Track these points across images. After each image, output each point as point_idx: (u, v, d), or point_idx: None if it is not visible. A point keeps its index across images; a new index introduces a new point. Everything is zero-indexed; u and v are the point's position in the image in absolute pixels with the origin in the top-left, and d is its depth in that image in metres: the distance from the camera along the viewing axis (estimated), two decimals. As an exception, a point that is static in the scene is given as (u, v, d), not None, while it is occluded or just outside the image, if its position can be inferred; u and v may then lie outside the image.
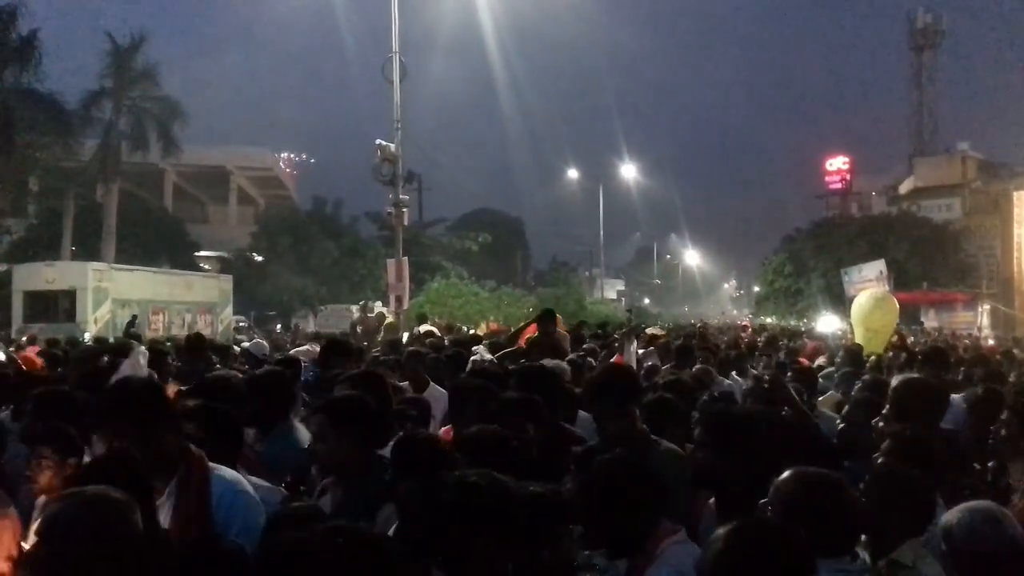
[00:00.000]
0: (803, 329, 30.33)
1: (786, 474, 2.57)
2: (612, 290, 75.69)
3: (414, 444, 3.28)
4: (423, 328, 16.77)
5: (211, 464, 3.14)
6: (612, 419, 3.81)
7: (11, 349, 14.09)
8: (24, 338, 16.83)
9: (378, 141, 24.20)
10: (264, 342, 10.62)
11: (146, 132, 35.05)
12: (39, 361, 10.35)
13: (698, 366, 8.21)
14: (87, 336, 17.70)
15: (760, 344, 14.62)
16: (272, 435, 4.27)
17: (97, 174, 35.35)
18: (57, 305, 22.89)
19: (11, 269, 26.80)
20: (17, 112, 30.35)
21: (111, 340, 14.82)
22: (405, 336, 16.05)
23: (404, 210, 24.55)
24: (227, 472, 3.17)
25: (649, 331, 19.63)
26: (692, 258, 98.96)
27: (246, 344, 11.14)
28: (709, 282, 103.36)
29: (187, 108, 36.27)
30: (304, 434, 4.09)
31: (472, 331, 21.09)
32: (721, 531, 2.08)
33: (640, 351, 11.81)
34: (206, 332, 24.11)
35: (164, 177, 48.75)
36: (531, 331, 14.86)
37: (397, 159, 24.21)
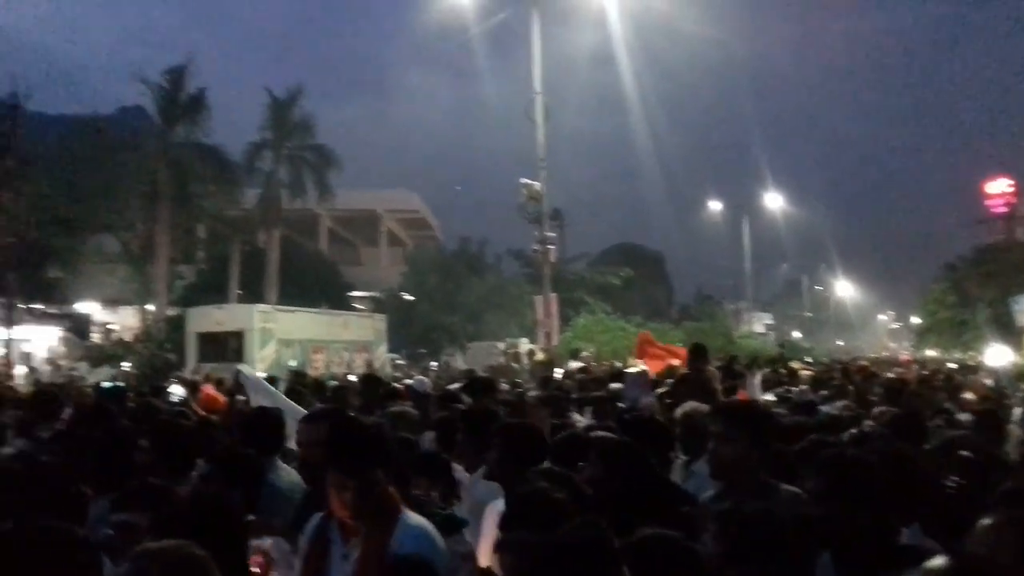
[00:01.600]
0: (972, 363, 28.60)
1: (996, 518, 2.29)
2: (760, 324, 73.55)
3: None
4: (577, 363, 16.75)
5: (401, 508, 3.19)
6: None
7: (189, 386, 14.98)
8: (199, 376, 17.84)
9: (523, 180, 24.61)
10: (425, 379, 10.86)
11: (303, 180, 36.88)
12: (221, 398, 10.94)
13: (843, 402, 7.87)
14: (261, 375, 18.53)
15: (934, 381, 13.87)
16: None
17: (259, 221, 37.37)
18: (227, 345, 24.14)
19: (185, 312, 28.56)
20: (187, 165, 32.62)
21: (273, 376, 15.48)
22: (559, 372, 16.06)
23: (550, 247, 24.83)
24: (413, 518, 3.20)
25: (794, 365, 18.90)
26: (844, 289, 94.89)
27: (408, 381, 11.42)
28: (863, 314, 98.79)
29: (340, 154, 37.99)
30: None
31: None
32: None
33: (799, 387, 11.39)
34: (363, 370, 24.96)
35: (319, 222, 51.05)
36: (661, 355, 14.59)
37: (542, 197, 24.55)
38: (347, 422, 3.97)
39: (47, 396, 7.20)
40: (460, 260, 43.74)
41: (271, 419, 4.73)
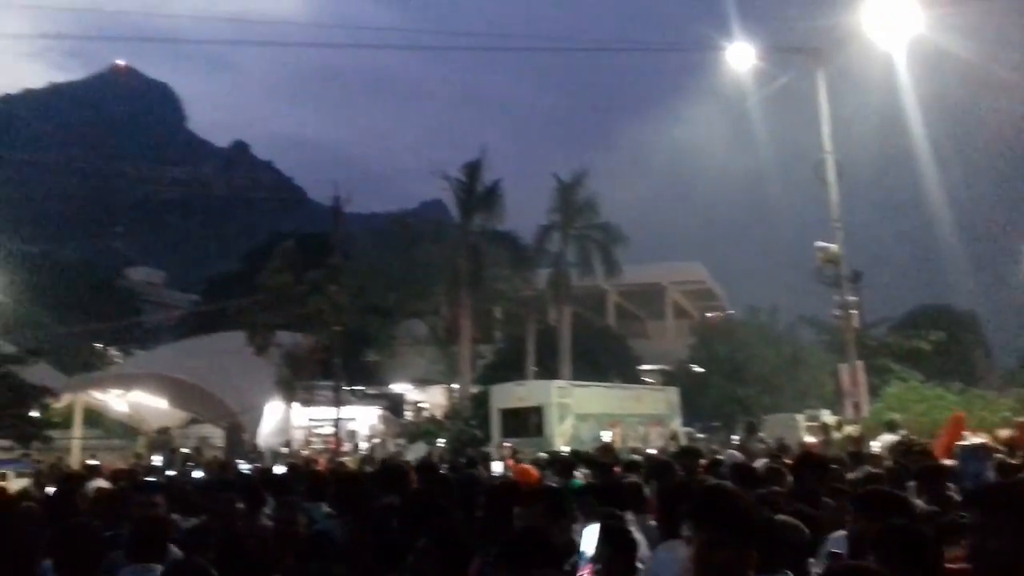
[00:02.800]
0: None
1: None
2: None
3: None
4: (892, 437, 15.52)
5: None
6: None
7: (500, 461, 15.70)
8: (505, 451, 18.63)
9: (818, 243, 23.64)
10: (737, 452, 10.61)
11: (590, 258, 37.95)
12: (535, 472, 11.33)
13: None
14: (563, 450, 19.02)
15: None
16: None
17: (550, 300, 38.84)
18: (528, 421, 25.07)
19: (487, 389, 30.12)
20: (484, 252, 34.82)
21: (576, 451, 15.81)
22: (875, 446, 14.98)
23: (852, 312, 23.50)
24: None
25: None
26: None
27: (721, 456, 11.22)
28: None
29: (625, 230, 38.74)
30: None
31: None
32: None
33: None
34: (659, 444, 24.77)
35: (607, 297, 52.05)
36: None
37: (840, 259, 23.40)
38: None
39: (393, 468, 7.86)
40: (750, 329, 42.54)
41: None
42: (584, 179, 38.62)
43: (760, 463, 9.90)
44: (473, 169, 35.96)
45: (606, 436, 22.38)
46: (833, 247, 23.13)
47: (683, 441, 26.87)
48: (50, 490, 13.67)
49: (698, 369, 42.17)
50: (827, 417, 27.54)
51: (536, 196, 39.91)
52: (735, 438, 27.68)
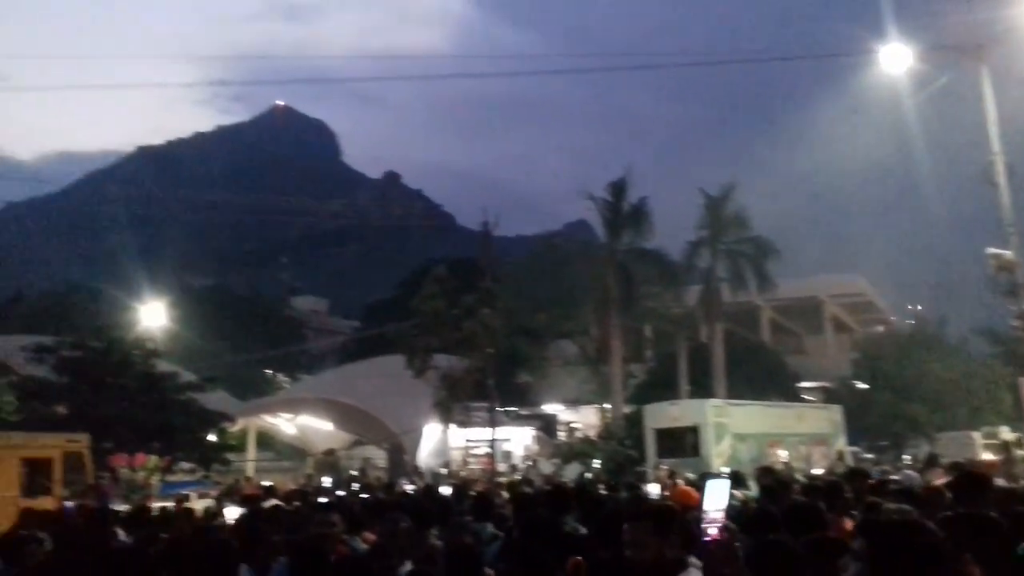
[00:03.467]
0: None
1: None
2: None
3: None
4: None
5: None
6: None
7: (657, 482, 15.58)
8: (662, 472, 18.45)
9: (990, 250, 22.27)
10: (913, 473, 10.15)
11: (742, 273, 37.06)
12: (695, 494, 11.22)
13: None
14: (723, 470, 18.69)
15: None
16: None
17: (701, 317, 38.16)
18: (684, 441, 24.71)
19: (640, 409, 29.89)
20: (633, 271, 34.64)
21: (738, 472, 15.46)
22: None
23: (1033, 321, 21.97)
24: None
25: None
26: None
27: (895, 476, 10.76)
28: None
29: (777, 244, 37.64)
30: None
31: None
32: None
33: None
34: (823, 464, 23.89)
35: (760, 313, 50.68)
36: None
37: (1016, 266, 21.96)
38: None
39: (561, 492, 8.00)
40: (918, 343, 40.40)
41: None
42: (732, 193, 37.84)
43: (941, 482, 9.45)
44: (618, 187, 35.89)
45: (782, 455, 21.78)
46: (1007, 254, 21.74)
47: (849, 461, 25.81)
48: (231, 510, 14.62)
49: (862, 386, 40.38)
50: (1007, 434, 25.84)
51: (683, 212, 39.41)
52: (906, 458, 26.39)
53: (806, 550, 3.85)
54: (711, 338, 37.16)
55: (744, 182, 39.96)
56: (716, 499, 5.36)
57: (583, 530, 6.37)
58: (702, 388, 34.25)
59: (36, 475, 18.58)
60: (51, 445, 19.06)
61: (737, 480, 13.40)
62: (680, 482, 15.06)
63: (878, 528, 3.36)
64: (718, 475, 13.65)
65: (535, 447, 33.78)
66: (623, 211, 35.64)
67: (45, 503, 15.67)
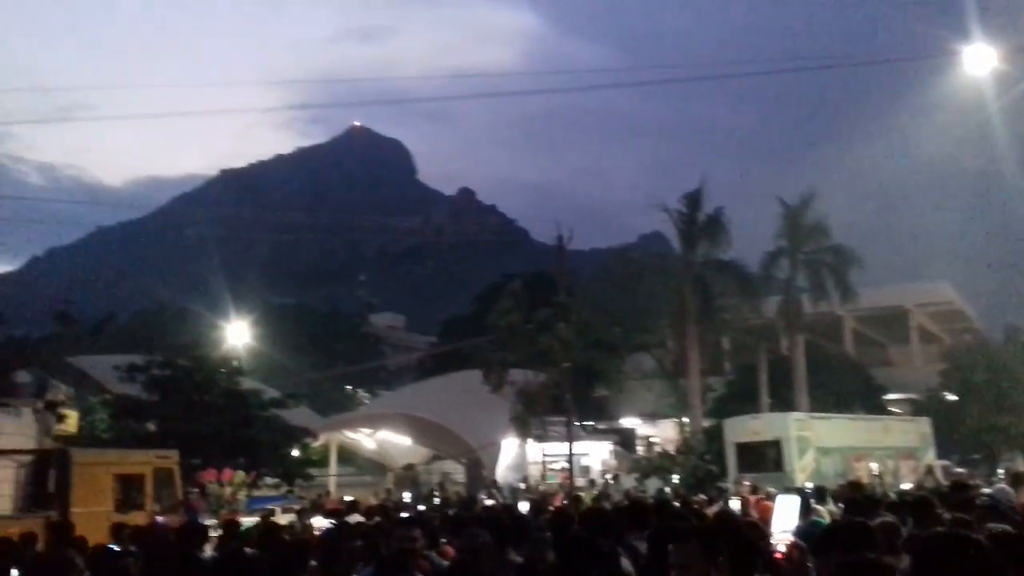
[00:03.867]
0: None
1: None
2: None
3: None
4: None
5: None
6: None
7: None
8: (743, 487, 18.13)
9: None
10: (1008, 488, 9.77)
11: (823, 283, 36.26)
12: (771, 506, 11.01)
13: None
14: (807, 485, 18.28)
15: None
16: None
17: (781, 328, 37.44)
18: (765, 455, 24.28)
19: (719, 423, 29.44)
20: (710, 282, 34.21)
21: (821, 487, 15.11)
22: None
23: None
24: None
25: None
26: None
27: (987, 490, 10.39)
28: None
29: (858, 252, 36.73)
30: None
31: None
32: None
33: None
34: (912, 479, 23.18)
35: (842, 324, 49.41)
36: None
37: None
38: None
39: (640, 507, 7.95)
40: (1011, 352, 38.84)
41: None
42: (811, 201, 37.13)
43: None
44: (693, 198, 35.53)
45: (873, 468, 21.22)
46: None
47: (939, 475, 24.96)
48: (315, 523, 14.92)
49: (951, 397, 39.01)
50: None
51: (760, 222, 38.78)
52: (1001, 472, 25.36)
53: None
54: (792, 350, 36.43)
55: (823, 190, 39.16)
56: (786, 516, 5.24)
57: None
58: (783, 401, 33.61)
59: (128, 491, 19.13)
60: (143, 461, 19.63)
61: (820, 496, 13.11)
62: (762, 497, 14.79)
63: (922, 542, 3.16)
64: (799, 490, 13.39)
65: (613, 461, 33.54)
66: (699, 222, 35.26)
67: (137, 518, 16.17)
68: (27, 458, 17.35)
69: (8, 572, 6.70)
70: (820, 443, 24.54)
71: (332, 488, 31.40)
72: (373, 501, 21.75)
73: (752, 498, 15.34)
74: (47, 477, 17.49)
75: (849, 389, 37.61)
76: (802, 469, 23.43)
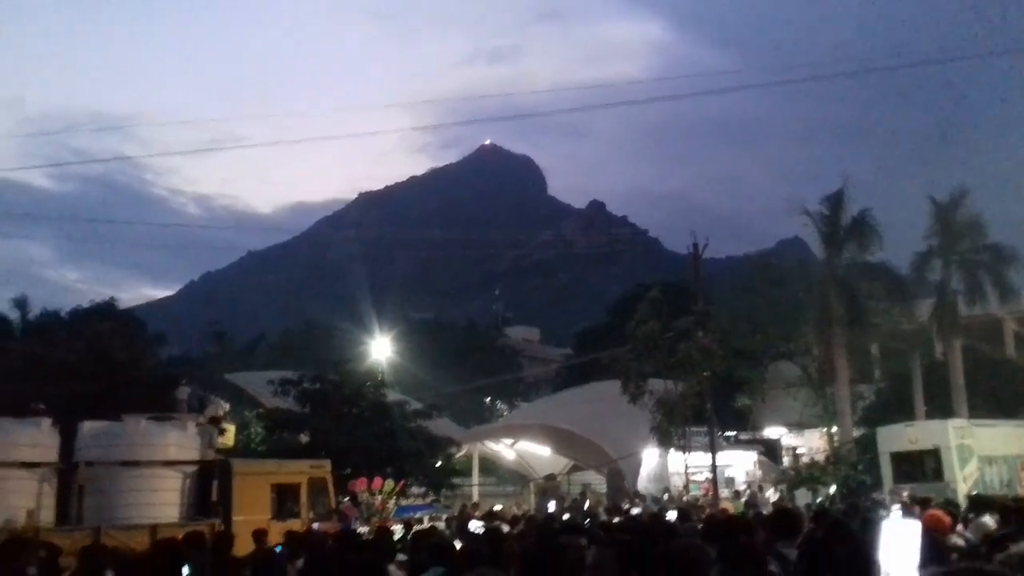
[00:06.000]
0: None
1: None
2: None
3: None
4: None
5: None
6: None
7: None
8: (902, 498, 17.31)
9: None
10: None
11: (980, 283, 34.28)
12: (946, 518, 10.47)
13: None
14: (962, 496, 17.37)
15: None
16: None
17: (935, 333, 35.60)
18: (923, 464, 23.14)
19: (870, 432, 28.23)
20: (856, 287, 32.90)
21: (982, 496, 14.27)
22: None
23: None
24: None
25: None
26: None
27: None
28: None
29: (1019, 250, 34.53)
30: None
31: None
32: None
33: None
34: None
35: (1002, 326, 46.50)
36: None
37: None
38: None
39: (789, 515, 7.79)
40: None
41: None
42: (964, 198, 35.22)
43: None
44: (836, 200, 34.28)
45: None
46: None
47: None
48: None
49: None
50: None
51: (907, 223, 37.05)
52: None
53: None
54: (948, 355, 34.59)
55: (975, 185, 37.06)
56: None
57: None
58: (940, 409, 31.95)
59: (285, 499, 19.97)
60: (298, 471, 20.46)
61: (979, 506, 12.45)
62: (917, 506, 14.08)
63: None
64: (948, 501, 12.70)
65: (758, 472, 32.65)
66: (842, 224, 34.01)
67: (293, 526, 16.87)
68: (192, 469, 18.31)
69: (180, 571, 7.19)
70: (983, 451, 23.17)
71: (475, 498, 31.89)
72: (516, 512, 21.96)
73: (916, 508, 14.65)
74: (210, 487, 18.40)
75: (1012, 394, 35.34)
76: (965, 479, 22.19)
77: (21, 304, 58.35)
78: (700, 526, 9.95)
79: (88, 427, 17.51)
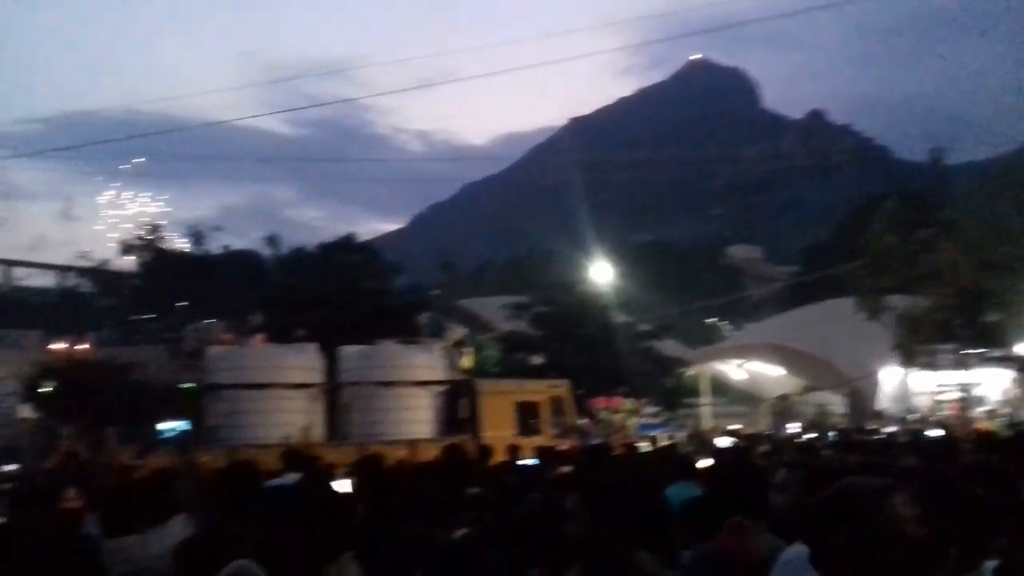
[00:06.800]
0: None
1: None
2: None
3: None
4: None
5: None
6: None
7: None
8: None
9: None
10: None
11: None
12: None
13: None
14: None
15: None
16: None
17: None
18: None
19: None
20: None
21: None
22: None
23: None
24: None
25: None
26: None
27: None
28: None
29: None
30: None
31: None
32: None
33: None
34: None
35: None
36: None
37: None
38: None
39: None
40: None
41: None
42: None
43: None
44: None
45: None
46: None
47: None
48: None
49: None
50: None
51: None
52: None
53: None
54: None
55: None
56: None
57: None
58: None
59: (526, 417, 20.92)
60: (538, 390, 21.26)
61: None
62: None
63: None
64: None
65: (1017, 391, 30.48)
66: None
67: (536, 441, 17.69)
68: (440, 388, 19.50)
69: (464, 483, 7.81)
70: None
71: (706, 417, 32.05)
72: (750, 431, 21.93)
73: None
74: (457, 406, 19.55)
75: None
76: None
77: (273, 241, 64.00)
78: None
79: (347, 351, 18.84)
